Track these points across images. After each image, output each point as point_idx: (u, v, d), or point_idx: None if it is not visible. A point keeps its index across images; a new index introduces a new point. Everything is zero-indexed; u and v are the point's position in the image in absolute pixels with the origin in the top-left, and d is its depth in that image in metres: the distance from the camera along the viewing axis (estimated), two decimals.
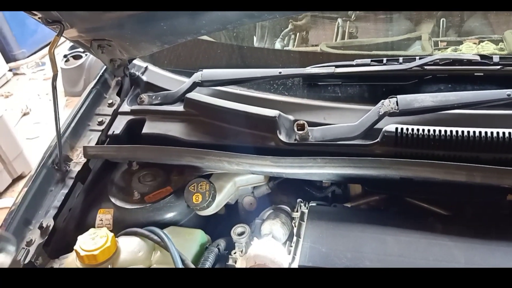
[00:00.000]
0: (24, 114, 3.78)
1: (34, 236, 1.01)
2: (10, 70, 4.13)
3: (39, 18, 0.92)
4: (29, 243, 0.99)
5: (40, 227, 1.01)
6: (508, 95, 0.90)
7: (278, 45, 1.74)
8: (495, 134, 0.85)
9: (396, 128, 0.90)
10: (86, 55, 3.43)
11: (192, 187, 1.02)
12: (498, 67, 0.98)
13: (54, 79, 1.01)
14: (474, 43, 1.48)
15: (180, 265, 0.90)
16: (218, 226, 1.08)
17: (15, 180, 3.00)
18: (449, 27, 1.79)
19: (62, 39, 1.04)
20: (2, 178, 2.92)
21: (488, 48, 1.41)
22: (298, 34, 1.82)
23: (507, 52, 1.37)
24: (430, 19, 1.85)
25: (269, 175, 1.02)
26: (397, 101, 0.93)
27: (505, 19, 1.77)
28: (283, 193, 1.11)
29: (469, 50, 1.41)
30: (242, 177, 1.08)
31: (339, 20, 1.80)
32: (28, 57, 4.16)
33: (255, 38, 1.84)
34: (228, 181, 1.07)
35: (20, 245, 1.00)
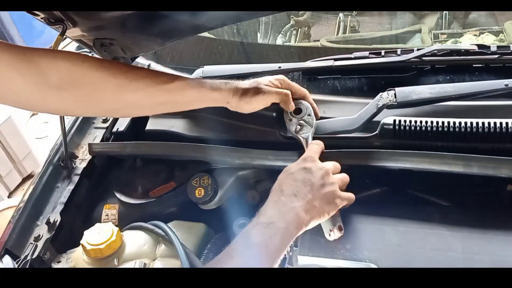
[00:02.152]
0: (33, 114, 3.82)
1: (42, 231, 1.03)
2: None
3: (41, 18, 0.94)
4: (37, 238, 1.02)
5: (48, 223, 1.04)
6: (506, 85, 0.90)
7: (279, 41, 1.75)
8: (492, 124, 0.85)
9: (394, 120, 0.91)
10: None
11: (195, 182, 1.04)
12: (496, 56, 0.98)
13: None
14: (475, 35, 1.48)
15: (184, 257, 0.91)
16: (220, 219, 1.09)
17: (25, 179, 3.05)
18: (452, 21, 1.79)
19: (68, 40, 1.07)
20: (12, 177, 2.97)
21: (488, 39, 1.41)
22: (299, 29, 1.83)
23: (507, 43, 1.37)
24: (433, 12, 1.85)
25: (270, 168, 1.03)
26: (395, 94, 0.94)
27: (509, 11, 1.77)
28: None
29: (469, 42, 1.41)
30: (245, 171, 1.10)
31: (341, 14, 1.81)
32: None
33: (259, 35, 1.86)
34: (231, 175, 1.09)
35: (28, 240, 1.02)
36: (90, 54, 1.44)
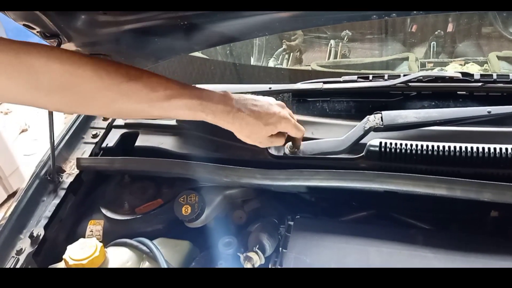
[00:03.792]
0: (23, 131, 3.80)
1: (25, 245, 1.01)
2: None
3: (37, 32, 0.95)
4: (19, 252, 1.00)
5: (31, 236, 1.02)
6: (489, 112, 0.93)
7: (271, 64, 1.79)
8: (474, 149, 0.87)
9: (380, 142, 0.93)
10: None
11: (182, 199, 1.04)
12: (479, 84, 1.01)
13: None
14: (460, 64, 1.52)
15: None
16: (206, 238, 1.09)
17: (10, 196, 3.00)
18: (440, 51, 1.85)
19: None
20: None
21: (473, 69, 1.46)
22: (291, 54, 1.87)
23: (491, 72, 1.41)
24: (422, 42, 1.92)
25: (257, 187, 1.03)
26: (382, 117, 0.96)
27: (496, 44, 1.84)
28: (273, 207, 1.13)
29: (454, 70, 1.44)
30: (232, 190, 1.10)
31: (332, 41, 1.86)
32: None
33: (252, 59, 1.89)
34: (218, 194, 1.09)
35: (10, 254, 1.00)
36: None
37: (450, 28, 1.92)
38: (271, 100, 0.91)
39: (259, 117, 0.87)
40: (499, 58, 1.49)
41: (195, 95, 0.83)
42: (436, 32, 1.88)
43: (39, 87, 0.71)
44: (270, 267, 0.91)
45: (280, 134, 0.92)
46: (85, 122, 1.28)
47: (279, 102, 0.92)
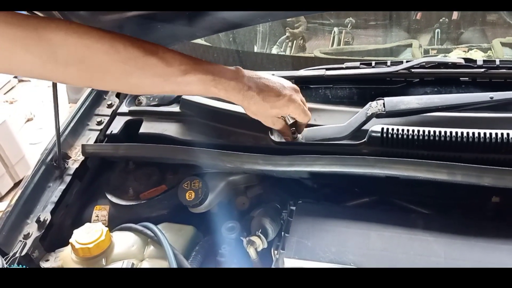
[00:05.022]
0: (28, 120, 3.83)
1: (32, 229, 1.03)
2: (15, 77, 4.19)
3: None
4: (26, 236, 1.02)
5: (38, 221, 1.04)
6: (491, 97, 0.93)
7: (274, 52, 1.79)
8: (476, 135, 0.87)
9: (382, 128, 0.93)
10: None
11: (186, 185, 1.06)
12: (482, 70, 1.01)
13: None
14: (464, 51, 1.52)
15: (172, 258, 0.92)
16: (210, 223, 1.10)
17: (17, 184, 3.04)
18: (445, 39, 1.84)
19: None
20: (4, 182, 2.96)
21: (476, 55, 1.45)
22: (295, 41, 1.87)
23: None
24: (427, 30, 1.91)
25: (259, 173, 1.04)
26: (384, 103, 0.96)
27: (501, 31, 1.82)
28: (275, 193, 1.14)
29: (457, 57, 1.44)
30: (235, 176, 1.11)
31: (335, 29, 1.85)
32: None
33: (255, 46, 1.89)
34: (222, 180, 1.10)
35: (18, 238, 1.03)
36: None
37: (455, 15, 1.91)
38: (285, 82, 0.92)
39: (267, 98, 0.88)
40: (503, 44, 1.48)
41: (208, 71, 0.84)
42: (440, 20, 1.87)
43: (57, 60, 0.72)
44: (272, 251, 0.92)
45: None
46: (90, 109, 1.29)
47: (294, 85, 0.94)
